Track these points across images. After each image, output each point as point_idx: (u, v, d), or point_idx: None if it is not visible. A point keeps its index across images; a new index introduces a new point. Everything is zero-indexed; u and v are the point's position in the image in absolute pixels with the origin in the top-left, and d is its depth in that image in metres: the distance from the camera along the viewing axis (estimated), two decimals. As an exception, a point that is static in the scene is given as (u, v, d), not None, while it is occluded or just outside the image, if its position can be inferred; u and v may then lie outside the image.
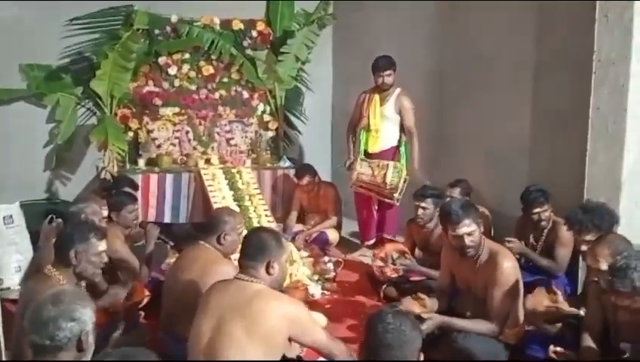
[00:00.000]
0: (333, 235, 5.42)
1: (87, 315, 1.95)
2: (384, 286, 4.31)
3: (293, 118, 6.79)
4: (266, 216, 5.28)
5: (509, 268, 3.01)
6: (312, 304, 4.03)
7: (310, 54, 6.32)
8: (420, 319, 2.83)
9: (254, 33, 6.29)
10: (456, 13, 5.22)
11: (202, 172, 5.65)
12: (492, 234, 4.30)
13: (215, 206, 5.06)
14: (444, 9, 5.32)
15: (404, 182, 4.93)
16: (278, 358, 2.34)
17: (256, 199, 5.44)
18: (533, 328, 3.17)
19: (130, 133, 6.01)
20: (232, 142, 6.32)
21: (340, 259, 4.96)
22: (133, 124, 6.01)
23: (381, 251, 4.35)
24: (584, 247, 2.96)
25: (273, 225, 5.01)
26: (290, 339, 2.36)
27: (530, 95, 4.47)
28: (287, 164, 6.12)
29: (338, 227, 5.51)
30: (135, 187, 4.93)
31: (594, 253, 2.62)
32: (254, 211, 5.29)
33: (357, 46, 6.34)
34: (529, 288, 3.11)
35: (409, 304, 3.15)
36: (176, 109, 6.16)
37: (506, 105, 4.73)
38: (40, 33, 5.70)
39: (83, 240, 2.64)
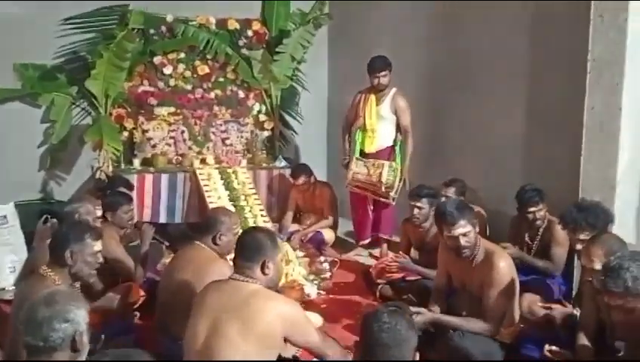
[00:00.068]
0: (329, 235, 5.42)
1: (80, 316, 1.95)
2: (380, 286, 4.32)
3: (288, 118, 6.78)
4: (262, 216, 5.28)
5: (504, 268, 3.02)
6: (307, 304, 4.04)
7: (306, 54, 6.33)
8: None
9: (250, 33, 6.29)
10: (450, 13, 5.22)
11: (198, 172, 5.65)
12: (487, 233, 4.30)
13: (211, 206, 5.05)
14: (439, 9, 5.32)
15: (401, 181, 4.94)
16: (274, 358, 2.33)
17: (251, 199, 5.44)
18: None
19: (126, 133, 6.00)
20: (228, 141, 6.31)
21: (335, 259, 4.97)
22: (129, 123, 5.99)
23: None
24: (579, 246, 2.97)
25: (269, 225, 5.01)
26: (285, 339, 2.36)
27: (525, 95, 4.48)
28: (283, 163, 6.12)
29: (334, 227, 5.51)
30: (130, 187, 4.91)
31: (588, 253, 2.63)
32: (250, 211, 5.29)
33: (353, 46, 6.34)
34: (524, 288, 3.11)
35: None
36: (172, 109, 6.15)
37: (501, 104, 4.73)
38: (35, 32, 5.67)
39: (78, 241, 2.63)
